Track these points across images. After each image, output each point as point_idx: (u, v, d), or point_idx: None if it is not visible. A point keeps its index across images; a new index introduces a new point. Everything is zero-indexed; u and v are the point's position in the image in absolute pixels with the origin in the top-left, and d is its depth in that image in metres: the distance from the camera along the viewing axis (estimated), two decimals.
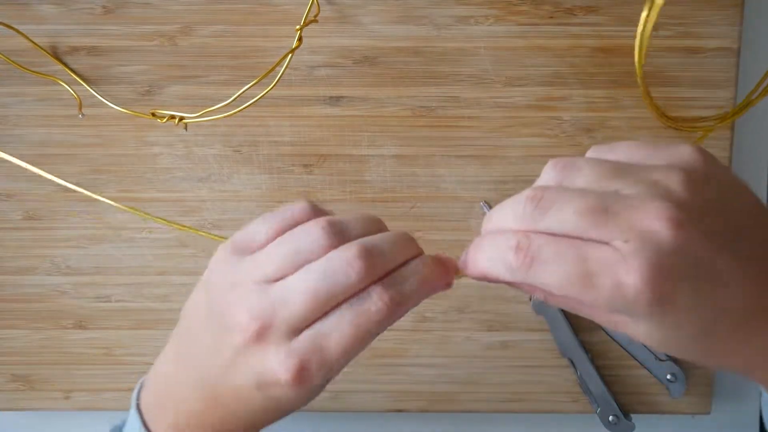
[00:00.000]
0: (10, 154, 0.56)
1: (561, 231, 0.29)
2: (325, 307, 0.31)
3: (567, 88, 0.54)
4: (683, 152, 0.30)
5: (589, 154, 0.33)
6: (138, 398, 0.39)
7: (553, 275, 0.28)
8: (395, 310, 0.31)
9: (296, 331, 0.31)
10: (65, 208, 0.56)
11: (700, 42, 0.53)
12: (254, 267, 0.33)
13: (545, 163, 0.54)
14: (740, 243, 0.29)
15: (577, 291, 0.28)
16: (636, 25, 0.53)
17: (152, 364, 0.60)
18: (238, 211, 0.56)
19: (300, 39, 0.51)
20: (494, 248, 0.30)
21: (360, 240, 0.32)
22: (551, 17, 0.53)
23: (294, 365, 0.31)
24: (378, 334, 0.32)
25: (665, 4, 0.36)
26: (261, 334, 0.31)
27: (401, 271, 0.32)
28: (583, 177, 0.30)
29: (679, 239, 0.27)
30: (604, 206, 0.28)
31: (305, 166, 0.56)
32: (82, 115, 0.55)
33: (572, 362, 0.57)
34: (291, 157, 0.55)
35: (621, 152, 0.31)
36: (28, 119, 0.55)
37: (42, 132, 0.55)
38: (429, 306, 0.57)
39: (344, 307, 0.31)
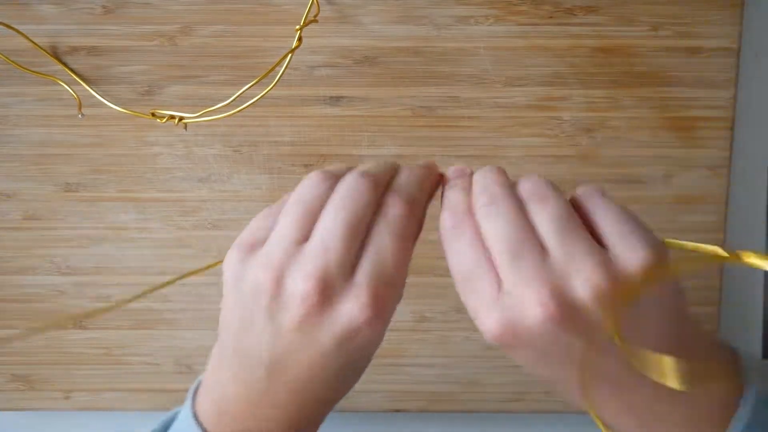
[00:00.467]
0: (10, 154, 0.56)
1: (488, 234, 0.32)
2: (360, 234, 0.32)
3: (567, 88, 0.54)
4: None
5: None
6: (193, 406, 0.37)
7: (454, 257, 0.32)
8: (413, 208, 0.33)
9: (350, 269, 0.32)
10: (65, 208, 0.56)
11: (700, 42, 0.53)
12: (278, 242, 0.33)
13: (545, 163, 0.55)
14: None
15: (459, 284, 0.32)
16: (636, 25, 0.53)
17: (152, 363, 0.60)
18: (238, 211, 0.56)
19: (300, 39, 0.51)
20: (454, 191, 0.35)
21: (353, 169, 0.35)
22: (551, 17, 0.53)
23: (369, 299, 0.31)
24: (413, 237, 0.33)
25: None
26: (323, 292, 0.31)
27: (397, 179, 0.35)
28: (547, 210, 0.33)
29: (545, 325, 0.29)
30: (522, 249, 0.30)
31: (305, 166, 0.56)
32: (82, 115, 0.55)
33: None
34: (291, 157, 0.55)
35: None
36: (28, 119, 0.55)
37: (42, 132, 0.55)
38: (429, 306, 0.57)
39: (374, 227, 0.32)
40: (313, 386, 0.33)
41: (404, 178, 0.35)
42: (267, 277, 0.32)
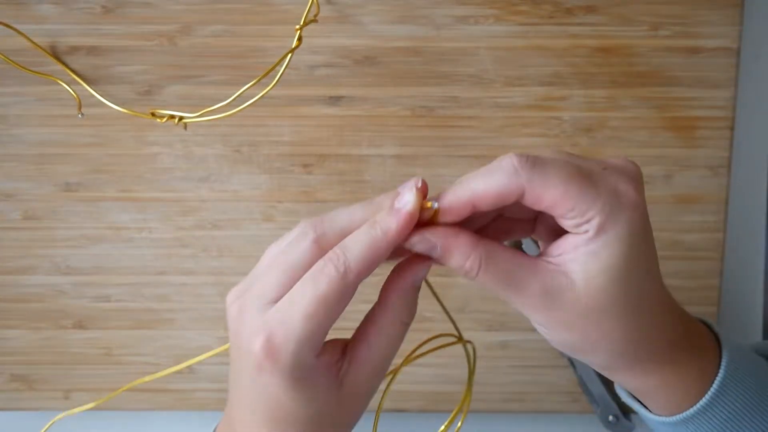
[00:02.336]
0: (10, 154, 0.56)
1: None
2: (289, 282, 0.33)
3: (567, 88, 0.54)
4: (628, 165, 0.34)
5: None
6: None
7: (555, 173, 0.31)
8: (343, 275, 0.32)
9: (269, 304, 0.33)
10: (65, 208, 0.56)
11: (700, 42, 0.53)
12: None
13: None
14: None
15: (573, 187, 0.31)
16: (636, 25, 0.53)
17: (152, 363, 0.60)
18: (237, 211, 0.56)
19: (300, 39, 0.51)
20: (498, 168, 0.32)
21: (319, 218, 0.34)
22: (551, 17, 0.53)
23: (262, 339, 0.32)
24: (338, 300, 0.32)
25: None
26: (239, 316, 0.33)
27: (349, 237, 0.33)
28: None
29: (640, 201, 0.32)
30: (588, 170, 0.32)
31: (305, 166, 0.56)
32: (82, 114, 0.55)
33: (572, 362, 0.57)
34: (291, 157, 0.55)
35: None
36: (28, 119, 0.55)
37: (42, 132, 0.55)
38: (429, 306, 0.57)
39: (310, 271, 0.32)
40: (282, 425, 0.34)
41: (352, 240, 0.33)
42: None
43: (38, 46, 0.54)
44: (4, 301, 0.58)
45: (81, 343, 0.58)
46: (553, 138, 0.55)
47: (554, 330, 0.33)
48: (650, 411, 0.37)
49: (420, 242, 0.32)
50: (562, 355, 0.57)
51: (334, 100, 0.55)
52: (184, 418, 0.61)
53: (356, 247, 0.32)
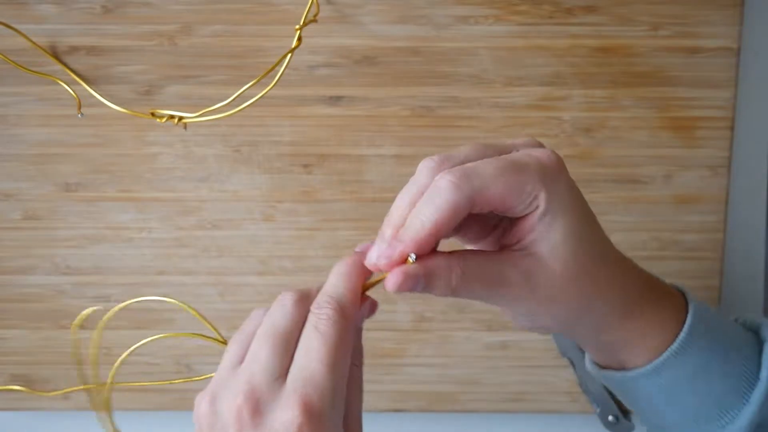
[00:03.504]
0: (10, 154, 0.56)
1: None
2: (288, 345, 0.32)
3: (567, 88, 0.54)
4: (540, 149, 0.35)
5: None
6: None
7: (491, 174, 0.32)
8: (339, 308, 0.33)
9: (280, 380, 0.31)
10: (65, 208, 0.56)
11: (700, 42, 0.53)
12: (217, 373, 0.34)
13: None
14: None
15: (511, 177, 0.32)
16: (636, 25, 0.53)
17: (152, 363, 0.60)
18: (237, 211, 0.56)
19: (300, 39, 0.51)
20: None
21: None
22: (551, 17, 0.53)
23: (298, 406, 0.30)
24: (345, 335, 0.32)
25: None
26: (253, 405, 0.31)
27: (324, 285, 0.34)
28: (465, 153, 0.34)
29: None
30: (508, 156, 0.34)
31: (305, 166, 0.56)
32: (82, 114, 0.55)
33: (572, 362, 0.57)
34: (291, 157, 0.55)
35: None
36: (28, 119, 0.55)
37: (42, 132, 0.55)
38: (429, 306, 0.57)
39: (302, 336, 0.32)
40: None
41: (329, 281, 0.34)
42: (203, 407, 0.32)
43: (38, 46, 0.54)
44: (4, 301, 0.58)
45: (81, 343, 0.58)
46: (553, 138, 0.55)
47: (541, 314, 0.34)
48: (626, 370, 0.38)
49: (405, 282, 0.32)
50: (562, 355, 0.57)
51: (334, 100, 0.55)
52: (184, 418, 0.61)
53: (338, 282, 0.33)
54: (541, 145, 0.35)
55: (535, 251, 0.33)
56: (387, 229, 0.33)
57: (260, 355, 0.32)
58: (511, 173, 0.32)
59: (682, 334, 0.36)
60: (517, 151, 0.34)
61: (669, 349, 0.36)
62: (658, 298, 0.37)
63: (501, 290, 0.33)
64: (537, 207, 0.33)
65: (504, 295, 0.34)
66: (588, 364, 0.41)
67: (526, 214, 0.33)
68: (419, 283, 0.32)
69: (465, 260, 0.33)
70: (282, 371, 0.32)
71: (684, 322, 0.37)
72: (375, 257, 0.33)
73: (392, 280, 0.32)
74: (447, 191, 0.32)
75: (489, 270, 0.33)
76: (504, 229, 0.36)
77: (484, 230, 0.37)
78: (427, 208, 0.32)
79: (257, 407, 0.31)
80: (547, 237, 0.33)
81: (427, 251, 0.32)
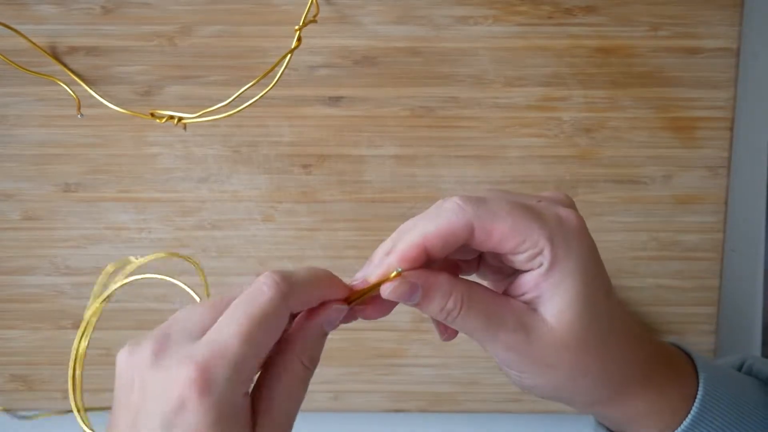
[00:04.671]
0: (10, 155, 0.56)
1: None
2: (218, 309, 0.31)
3: (566, 89, 0.54)
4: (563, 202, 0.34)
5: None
6: None
7: (500, 206, 0.31)
8: (285, 295, 0.30)
9: (195, 335, 0.30)
10: (65, 208, 0.56)
11: (699, 42, 0.53)
12: None
13: (545, 163, 0.55)
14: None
15: (519, 219, 0.31)
16: (636, 26, 0.53)
17: None
18: (237, 212, 0.56)
19: (299, 39, 0.51)
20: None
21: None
22: (550, 17, 0.53)
23: (193, 362, 0.28)
24: (275, 322, 0.30)
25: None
26: (157, 351, 0.30)
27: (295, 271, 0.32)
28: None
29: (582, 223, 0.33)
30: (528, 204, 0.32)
31: (305, 166, 0.56)
32: (81, 115, 0.55)
33: None
34: (290, 157, 0.55)
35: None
36: (28, 119, 0.55)
37: (42, 132, 0.55)
38: None
39: (236, 300, 0.30)
40: None
41: (298, 270, 0.32)
42: (129, 345, 0.32)
43: (38, 46, 0.54)
44: (4, 301, 0.58)
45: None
46: (553, 138, 0.55)
47: (534, 372, 0.32)
48: None
49: (400, 286, 0.31)
50: None
51: (334, 101, 0.55)
52: None
53: (301, 272, 0.32)
54: (570, 204, 0.34)
55: (535, 309, 0.32)
56: (377, 254, 0.33)
57: (189, 314, 0.31)
58: (520, 216, 0.31)
59: (692, 413, 0.34)
60: (540, 201, 0.33)
61: (684, 423, 0.34)
62: (669, 367, 0.35)
63: (497, 333, 0.32)
64: (541, 264, 0.31)
65: (499, 340, 0.32)
66: (594, 427, 0.39)
67: (531, 269, 0.32)
68: (416, 293, 0.31)
69: (469, 289, 0.32)
70: (202, 330, 0.30)
71: (695, 397, 0.34)
72: (361, 275, 0.32)
73: (388, 284, 0.31)
74: (449, 210, 0.31)
75: (491, 308, 0.32)
76: (501, 273, 0.34)
77: (501, 274, 0.35)
78: (422, 222, 0.31)
79: (161, 351, 0.30)
80: (551, 298, 0.31)
81: (413, 266, 0.31)
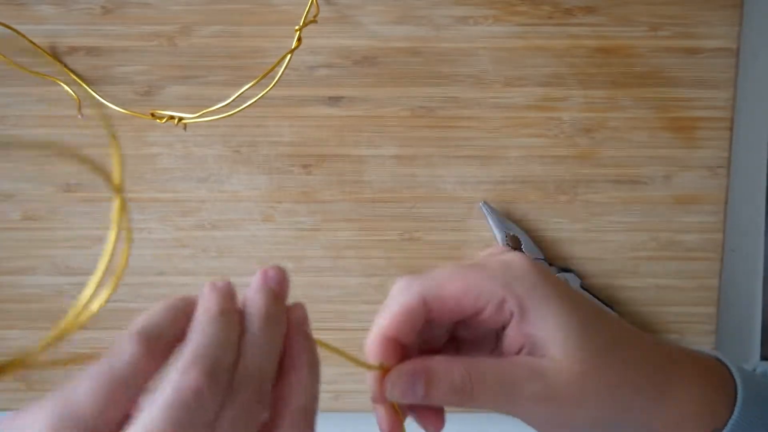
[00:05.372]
0: (10, 155, 0.56)
1: None
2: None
3: (566, 89, 0.54)
4: None
5: None
6: None
7: (445, 270, 0.31)
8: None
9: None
10: (65, 208, 0.56)
11: (699, 42, 0.53)
12: None
13: (545, 163, 0.55)
14: None
15: (467, 278, 0.31)
16: (635, 26, 0.53)
17: None
18: (237, 212, 0.56)
19: (299, 39, 0.51)
20: None
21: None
22: (550, 17, 0.53)
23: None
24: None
25: None
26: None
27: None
28: None
29: None
30: None
31: (304, 166, 0.56)
32: (82, 115, 0.55)
33: None
34: (290, 157, 0.55)
35: None
36: (28, 119, 0.55)
37: (42, 132, 0.55)
38: None
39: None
40: None
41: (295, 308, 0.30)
42: None
43: (38, 46, 0.54)
44: (4, 301, 0.58)
45: (81, 343, 0.58)
46: (553, 138, 0.55)
47: (567, 419, 0.31)
48: None
49: (398, 379, 0.30)
50: None
51: (334, 101, 0.55)
52: None
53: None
54: (514, 249, 0.33)
55: (544, 354, 0.31)
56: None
57: (75, 393, 0.25)
58: (467, 274, 0.31)
59: (736, 411, 0.33)
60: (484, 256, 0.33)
61: (728, 425, 0.33)
62: (694, 372, 0.34)
63: (517, 392, 0.30)
64: (512, 312, 0.30)
65: (521, 398, 0.30)
66: None
67: (506, 323, 0.31)
68: (418, 379, 0.30)
69: (469, 362, 0.31)
70: (105, 420, 0.24)
71: (735, 396, 0.33)
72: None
73: (388, 386, 0.30)
74: (397, 291, 0.31)
75: (500, 369, 0.30)
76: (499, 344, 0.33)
77: (485, 349, 0.34)
78: (380, 314, 0.31)
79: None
80: (545, 338, 0.30)
81: (392, 359, 0.30)
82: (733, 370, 0.34)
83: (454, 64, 0.54)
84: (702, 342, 0.57)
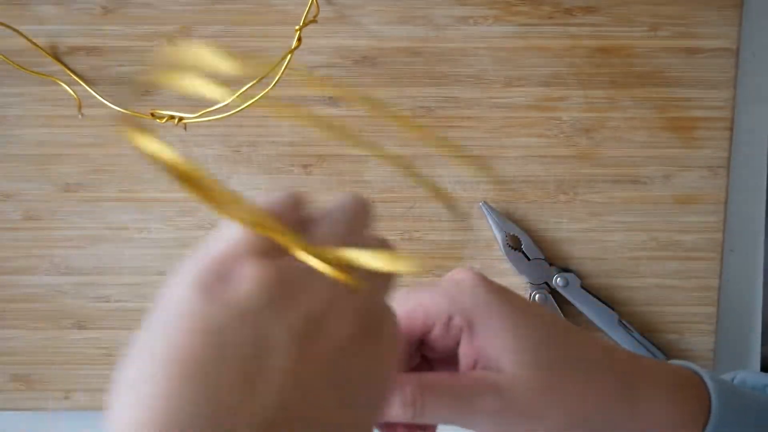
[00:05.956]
0: (10, 155, 0.56)
1: None
2: None
3: (566, 89, 0.54)
4: None
5: None
6: None
7: (399, 302, 0.31)
8: None
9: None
10: (65, 208, 0.56)
11: (699, 42, 0.53)
12: None
13: (545, 163, 0.55)
14: None
15: (412, 299, 0.31)
16: (635, 26, 0.53)
17: None
18: None
19: (299, 39, 0.51)
20: None
21: None
22: (550, 17, 0.53)
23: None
24: None
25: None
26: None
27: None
28: None
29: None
30: None
31: (304, 166, 0.56)
32: (82, 115, 0.55)
33: None
34: (290, 157, 0.55)
35: None
36: (28, 119, 0.55)
37: (42, 132, 0.55)
38: None
39: None
40: None
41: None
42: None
43: (38, 46, 0.54)
44: (4, 301, 0.58)
45: (81, 343, 0.58)
46: (553, 138, 0.55)
47: (526, 429, 0.31)
48: None
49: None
50: None
51: (334, 101, 0.55)
52: None
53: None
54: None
55: (499, 368, 0.30)
56: None
57: None
58: (415, 295, 0.31)
59: (711, 420, 0.32)
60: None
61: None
62: (667, 383, 0.33)
63: (472, 404, 0.30)
64: (461, 328, 0.30)
65: (477, 411, 0.30)
66: None
67: (457, 340, 0.31)
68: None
69: (420, 375, 0.30)
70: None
71: (710, 406, 0.33)
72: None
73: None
74: None
75: (453, 383, 0.30)
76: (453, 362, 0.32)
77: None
78: None
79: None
80: (499, 353, 0.30)
81: None
82: (707, 380, 0.34)
83: (454, 64, 0.54)
84: (702, 342, 0.57)
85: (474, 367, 0.31)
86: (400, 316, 0.30)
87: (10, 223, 0.57)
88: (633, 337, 0.55)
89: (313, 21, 0.52)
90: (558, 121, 0.55)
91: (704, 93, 0.54)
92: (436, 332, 0.31)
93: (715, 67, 0.54)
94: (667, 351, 0.56)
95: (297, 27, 0.51)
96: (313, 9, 0.52)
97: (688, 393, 0.33)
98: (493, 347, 0.30)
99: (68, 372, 0.59)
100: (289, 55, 0.50)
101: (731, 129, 0.55)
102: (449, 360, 0.33)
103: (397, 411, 0.30)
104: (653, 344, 0.56)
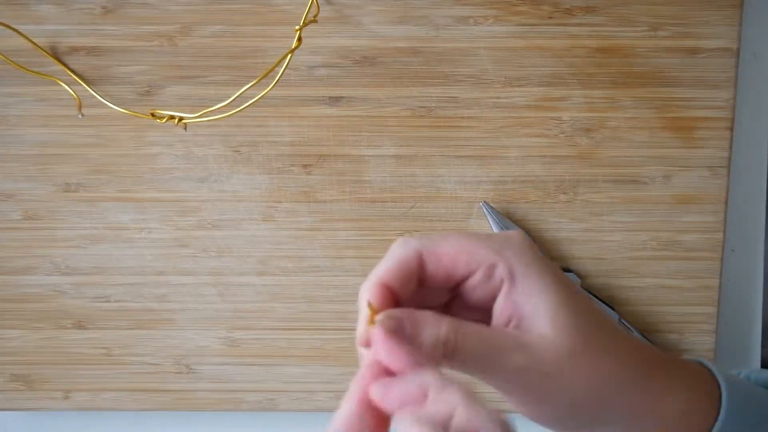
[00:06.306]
0: (10, 155, 0.56)
1: None
2: None
3: (566, 89, 0.54)
4: None
5: None
6: None
7: (444, 234, 0.32)
8: None
9: None
10: (65, 208, 0.56)
11: (699, 42, 0.53)
12: None
13: (545, 163, 0.55)
14: None
15: (465, 240, 0.31)
16: (635, 26, 0.53)
17: (152, 363, 0.60)
18: (237, 212, 0.56)
19: (299, 39, 0.51)
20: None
21: None
22: (550, 17, 0.53)
23: None
24: None
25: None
26: None
27: None
28: None
29: None
30: None
31: (305, 166, 0.56)
32: (82, 115, 0.55)
33: None
34: (290, 157, 0.55)
35: None
36: (28, 119, 0.55)
37: (42, 132, 0.55)
38: None
39: None
40: None
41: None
42: None
43: (38, 46, 0.54)
44: (4, 301, 0.58)
45: (81, 343, 0.58)
46: (553, 138, 0.55)
47: (551, 396, 0.31)
48: None
49: (386, 320, 0.30)
50: None
51: (334, 101, 0.55)
52: (184, 418, 0.61)
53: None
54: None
55: (531, 329, 0.31)
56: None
57: None
58: (465, 238, 0.31)
59: (722, 413, 0.33)
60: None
61: (714, 428, 0.33)
62: (681, 374, 0.34)
63: (501, 357, 0.30)
64: (502, 279, 0.31)
65: (504, 365, 0.30)
66: None
67: (495, 291, 0.31)
68: (406, 323, 0.30)
69: (458, 321, 0.31)
70: None
71: (720, 400, 0.33)
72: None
73: (380, 316, 0.30)
74: (395, 245, 0.31)
75: (486, 334, 0.30)
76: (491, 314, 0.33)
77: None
78: (377, 266, 0.31)
79: None
80: (535, 311, 0.31)
81: (384, 305, 0.31)
82: (718, 374, 0.34)
83: (454, 64, 0.54)
84: (702, 341, 0.57)
85: (507, 325, 0.31)
86: (445, 253, 0.31)
87: (10, 223, 0.57)
88: None
89: (313, 21, 0.52)
90: (558, 121, 0.55)
91: (704, 93, 0.54)
92: (476, 278, 0.31)
93: (715, 67, 0.54)
94: (667, 351, 0.56)
95: (297, 27, 0.51)
96: (313, 9, 0.52)
97: (701, 386, 0.34)
98: (532, 304, 0.31)
99: (68, 372, 0.59)
100: (289, 55, 0.50)
101: (731, 129, 0.55)
102: (478, 317, 0.33)
103: (428, 344, 0.30)
104: (653, 344, 0.56)
